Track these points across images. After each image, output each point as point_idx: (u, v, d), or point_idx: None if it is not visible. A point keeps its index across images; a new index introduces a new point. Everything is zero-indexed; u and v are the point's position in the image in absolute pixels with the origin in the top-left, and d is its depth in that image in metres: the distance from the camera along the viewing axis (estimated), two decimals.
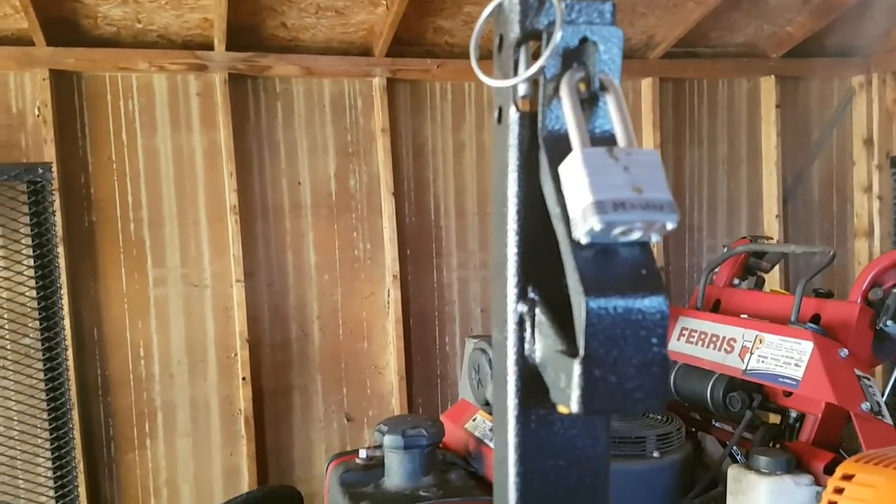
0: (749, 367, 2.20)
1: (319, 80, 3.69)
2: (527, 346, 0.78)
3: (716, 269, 2.66)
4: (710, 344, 2.33)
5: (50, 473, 3.33)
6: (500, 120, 0.80)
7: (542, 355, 0.76)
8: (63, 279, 3.28)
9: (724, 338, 2.31)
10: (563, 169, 0.70)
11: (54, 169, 3.25)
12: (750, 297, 2.53)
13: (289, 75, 3.63)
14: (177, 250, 3.53)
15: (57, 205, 3.26)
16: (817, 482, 1.98)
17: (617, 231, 0.67)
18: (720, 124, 4.29)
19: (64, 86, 3.36)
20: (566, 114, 0.72)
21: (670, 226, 0.67)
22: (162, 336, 3.53)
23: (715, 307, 2.61)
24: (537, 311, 0.76)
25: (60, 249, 3.27)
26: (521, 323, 0.78)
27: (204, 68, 3.48)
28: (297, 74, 3.64)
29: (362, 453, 2.16)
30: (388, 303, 3.76)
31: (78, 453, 3.31)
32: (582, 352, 0.66)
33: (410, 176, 3.83)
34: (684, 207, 4.24)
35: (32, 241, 3.21)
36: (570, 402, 0.66)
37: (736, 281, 2.66)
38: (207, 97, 3.52)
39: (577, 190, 0.67)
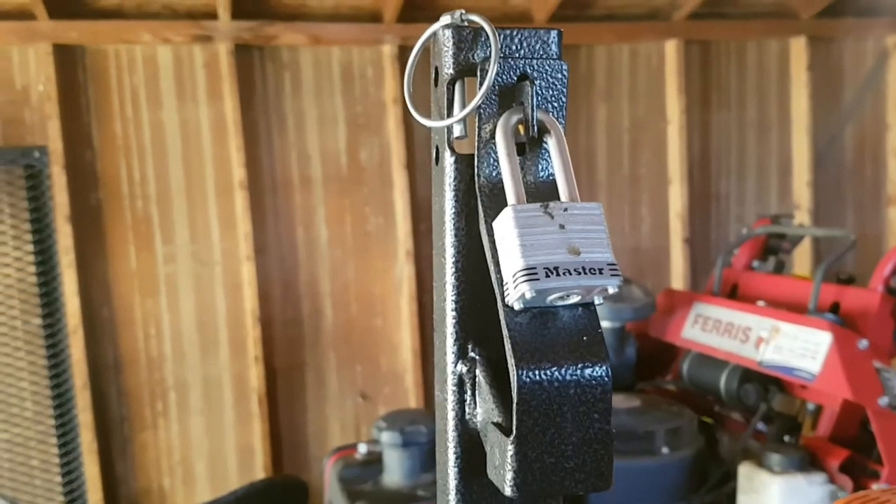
0: (764, 359, 2.08)
1: (328, 49, 3.57)
2: (468, 409, 0.72)
3: (734, 251, 2.52)
4: (725, 332, 2.22)
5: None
6: (437, 161, 0.74)
7: (482, 422, 0.70)
8: (63, 261, 3.22)
9: (739, 326, 2.19)
10: (497, 226, 0.64)
11: (52, 150, 3.19)
12: (769, 283, 2.40)
13: (296, 44, 3.52)
14: (185, 227, 3.47)
15: (59, 186, 3.20)
16: (832, 480, 1.88)
17: (552, 298, 0.62)
18: (749, 88, 4.08)
19: (67, 60, 3.28)
20: (501, 163, 0.66)
21: (611, 290, 0.62)
22: (172, 314, 3.48)
23: (732, 292, 2.48)
24: (478, 372, 0.70)
25: (67, 229, 3.22)
26: (460, 384, 0.72)
27: (209, 39, 3.39)
28: (305, 43, 3.52)
29: (361, 448, 2.09)
30: (402, 279, 3.67)
31: (88, 433, 3.30)
32: (514, 431, 0.61)
33: (423, 148, 3.69)
34: (711, 174, 4.07)
35: (31, 226, 3.16)
36: (503, 483, 0.62)
37: (756, 263, 2.52)
38: (213, 69, 3.43)
39: (509, 251, 0.62)
